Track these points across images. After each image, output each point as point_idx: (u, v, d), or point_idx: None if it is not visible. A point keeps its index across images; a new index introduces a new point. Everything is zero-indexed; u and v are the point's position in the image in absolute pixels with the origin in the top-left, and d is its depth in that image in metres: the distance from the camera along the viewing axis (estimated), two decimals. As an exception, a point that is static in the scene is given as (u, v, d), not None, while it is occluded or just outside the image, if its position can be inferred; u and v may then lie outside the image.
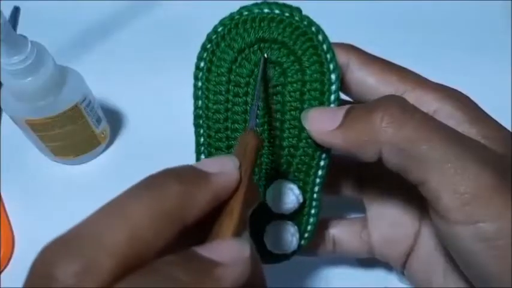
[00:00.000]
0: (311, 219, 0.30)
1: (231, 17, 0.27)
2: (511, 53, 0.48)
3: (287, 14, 0.26)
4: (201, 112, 0.28)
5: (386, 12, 0.52)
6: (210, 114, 0.28)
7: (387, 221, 0.32)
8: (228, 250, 0.19)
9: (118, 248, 0.17)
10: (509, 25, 0.50)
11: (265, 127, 0.28)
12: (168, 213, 0.18)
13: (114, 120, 0.45)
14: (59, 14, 0.52)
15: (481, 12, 0.51)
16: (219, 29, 0.27)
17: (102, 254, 0.17)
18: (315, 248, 0.33)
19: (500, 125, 0.27)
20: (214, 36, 0.27)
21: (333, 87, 0.27)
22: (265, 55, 0.27)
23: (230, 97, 0.28)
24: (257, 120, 0.28)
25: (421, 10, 0.52)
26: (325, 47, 0.26)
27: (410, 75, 0.28)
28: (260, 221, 0.30)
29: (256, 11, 0.26)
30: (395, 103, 0.24)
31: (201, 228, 0.20)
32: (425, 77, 0.29)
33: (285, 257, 0.31)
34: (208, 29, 0.27)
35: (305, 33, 0.26)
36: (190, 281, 0.17)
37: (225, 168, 0.21)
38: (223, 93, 0.28)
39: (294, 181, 0.29)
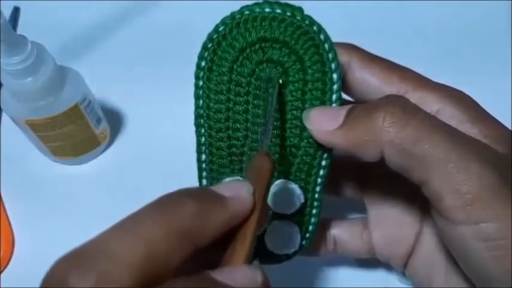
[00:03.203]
0: (312, 219, 0.30)
1: (232, 16, 0.27)
2: (511, 54, 0.48)
3: (288, 14, 0.26)
4: (202, 111, 0.28)
5: (387, 12, 0.52)
6: (211, 114, 0.28)
7: (388, 222, 0.32)
8: (242, 276, 0.19)
9: (134, 265, 0.17)
10: (509, 25, 0.50)
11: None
12: (184, 232, 0.19)
13: (114, 120, 0.45)
14: (59, 14, 0.52)
15: (481, 12, 0.51)
16: (220, 28, 0.27)
17: (118, 270, 0.17)
18: (315, 248, 0.33)
19: (502, 125, 0.27)
20: (215, 36, 0.27)
21: (335, 87, 0.27)
22: (280, 81, 0.27)
23: (231, 96, 0.28)
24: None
25: (421, 10, 0.52)
26: (326, 46, 0.26)
27: (411, 75, 0.28)
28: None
29: (257, 10, 0.26)
30: (397, 103, 0.24)
31: (212, 251, 0.21)
32: (426, 76, 0.29)
33: (286, 257, 0.31)
34: (209, 28, 0.27)
35: (307, 32, 0.26)
36: None
37: (239, 194, 0.21)
38: (225, 92, 0.28)
39: (295, 181, 0.29)
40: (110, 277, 0.17)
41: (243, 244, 0.21)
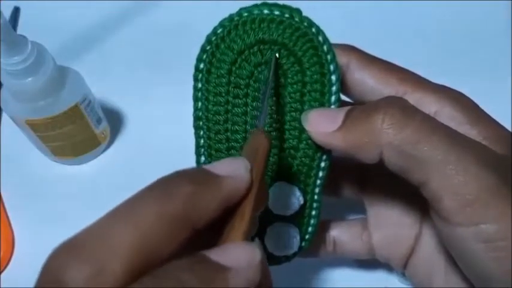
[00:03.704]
0: (312, 221, 0.30)
1: (231, 18, 0.26)
2: (511, 54, 0.48)
3: (287, 15, 0.26)
4: (200, 114, 0.28)
5: (387, 12, 0.52)
6: (210, 116, 0.28)
7: (388, 222, 0.32)
8: (239, 255, 0.19)
9: (128, 252, 0.17)
10: (509, 25, 0.50)
11: (266, 129, 0.28)
12: (179, 216, 0.18)
13: (114, 120, 0.45)
14: (59, 14, 0.52)
15: (481, 12, 0.51)
16: (219, 31, 0.27)
17: (113, 259, 0.17)
18: (315, 250, 0.33)
19: (501, 126, 0.27)
20: (213, 38, 0.27)
21: (334, 88, 0.27)
22: (277, 54, 0.27)
23: (230, 99, 0.28)
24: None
25: (421, 10, 0.52)
26: (325, 48, 0.26)
27: (410, 76, 0.28)
28: (261, 222, 0.30)
29: (255, 12, 0.26)
30: (396, 104, 0.24)
31: (212, 231, 0.20)
32: (425, 78, 0.29)
33: (286, 258, 0.31)
34: (209, 29, 0.27)
35: (305, 34, 0.26)
36: (196, 285, 0.17)
37: (236, 172, 0.21)
38: (223, 94, 0.28)
39: (294, 183, 0.29)
40: (105, 268, 0.17)
41: (241, 222, 0.20)
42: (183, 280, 0.17)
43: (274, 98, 0.28)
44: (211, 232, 0.20)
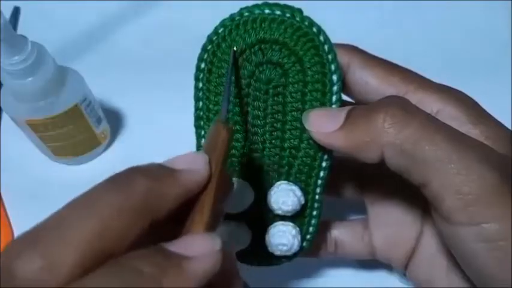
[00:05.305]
0: (313, 221, 0.30)
1: (232, 18, 0.26)
2: (511, 54, 0.48)
3: (288, 15, 0.26)
4: (201, 113, 0.28)
5: (386, 13, 0.52)
6: (211, 116, 0.28)
7: (389, 223, 0.32)
8: (196, 244, 0.19)
9: (84, 243, 0.17)
10: (509, 25, 0.50)
11: (267, 128, 0.28)
12: (135, 207, 0.19)
13: (114, 120, 0.45)
14: (59, 14, 0.52)
15: (481, 12, 0.51)
16: (220, 30, 0.27)
17: (66, 250, 0.17)
18: (316, 250, 0.33)
19: (503, 125, 0.27)
20: (215, 37, 0.27)
21: (335, 88, 0.27)
22: (234, 48, 0.27)
23: (231, 98, 0.28)
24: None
25: (421, 11, 0.52)
26: (326, 47, 0.26)
27: (412, 76, 0.28)
28: (262, 222, 0.30)
29: (257, 11, 0.26)
30: (398, 104, 0.24)
31: (176, 222, 0.21)
32: (426, 77, 0.29)
33: (287, 258, 0.31)
34: (210, 29, 0.27)
35: (306, 34, 0.26)
36: (153, 273, 0.17)
37: (193, 165, 0.21)
38: None
39: (295, 182, 0.29)
40: (58, 260, 0.17)
41: (201, 214, 0.21)
42: (139, 269, 0.17)
43: (276, 98, 0.28)
44: (176, 224, 0.21)
